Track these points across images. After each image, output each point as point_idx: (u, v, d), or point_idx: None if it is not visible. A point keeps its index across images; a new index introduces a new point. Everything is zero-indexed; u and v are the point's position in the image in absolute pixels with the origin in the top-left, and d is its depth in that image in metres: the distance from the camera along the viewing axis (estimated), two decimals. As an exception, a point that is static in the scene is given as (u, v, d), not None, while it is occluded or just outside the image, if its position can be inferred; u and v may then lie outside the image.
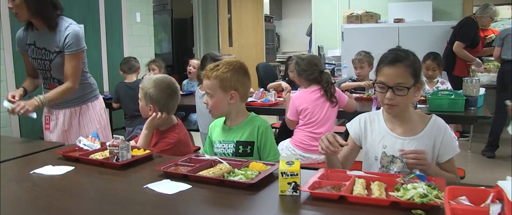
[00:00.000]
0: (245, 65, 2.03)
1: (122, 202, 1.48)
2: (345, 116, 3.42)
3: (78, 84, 2.57)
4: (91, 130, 2.62)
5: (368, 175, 1.62)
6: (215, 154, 2.07)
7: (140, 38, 5.51)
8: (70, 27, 2.49)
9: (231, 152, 2.01)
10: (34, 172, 1.79)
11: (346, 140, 1.69)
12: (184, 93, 4.04)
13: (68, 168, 1.84)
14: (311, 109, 3.12)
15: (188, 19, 7.72)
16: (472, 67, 5.37)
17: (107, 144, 2.05)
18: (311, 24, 8.92)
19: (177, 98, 2.30)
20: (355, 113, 3.40)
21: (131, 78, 4.08)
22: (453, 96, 3.19)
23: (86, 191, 1.67)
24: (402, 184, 1.49)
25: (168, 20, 7.88)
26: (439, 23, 6.30)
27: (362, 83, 4.14)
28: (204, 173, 1.67)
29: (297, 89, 3.99)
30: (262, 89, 3.97)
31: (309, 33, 9.93)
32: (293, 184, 1.48)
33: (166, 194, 1.51)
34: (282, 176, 1.48)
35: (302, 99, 3.15)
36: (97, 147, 2.10)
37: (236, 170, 1.67)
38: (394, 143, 1.79)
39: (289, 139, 3.23)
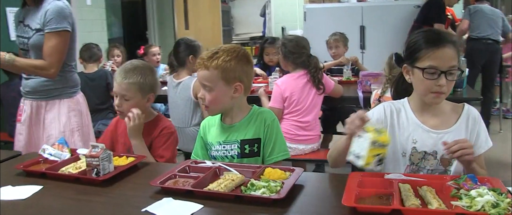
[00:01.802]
0: (248, 52, 1.71)
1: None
2: (328, 102, 3.21)
3: (55, 70, 2.20)
4: (54, 132, 2.21)
5: (410, 178, 1.38)
6: (214, 158, 1.76)
7: (92, 23, 4.97)
8: (54, 2, 2.17)
9: (236, 153, 1.70)
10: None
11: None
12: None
13: (34, 188, 1.45)
14: (297, 95, 2.87)
15: (139, 2, 7.17)
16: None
17: (80, 153, 1.68)
18: (265, 4, 8.62)
19: None
20: (341, 99, 3.23)
21: (92, 68, 3.60)
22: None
23: (62, 219, 1.31)
24: (457, 188, 1.26)
25: (117, 2, 7.28)
26: (403, 2, 6.20)
27: (342, 59, 3.93)
28: (213, 187, 1.35)
29: (271, 74, 3.72)
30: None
31: (263, 14, 9.62)
32: (379, 155, 1.30)
33: (175, 220, 1.19)
34: (374, 145, 1.28)
35: (288, 85, 2.87)
36: (66, 157, 1.72)
37: (254, 181, 1.36)
38: (427, 137, 1.55)
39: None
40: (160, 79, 4.03)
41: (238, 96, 1.68)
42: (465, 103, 1.61)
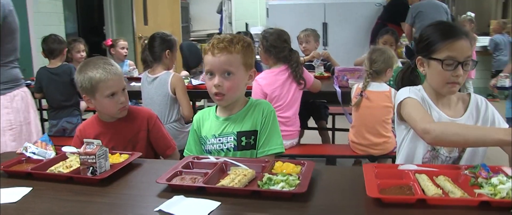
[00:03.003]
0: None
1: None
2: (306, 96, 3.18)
3: None
4: None
5: (424, 168, 1.37)
6: (209, 152, 1.68)
7: (49, 16, 4.70)
8: None
9: (232, 146, 1.63)
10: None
11: None
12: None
13: (23, 190, 1.32)
14: (278, 91, 2.82)
15: (95, -4, 6.89)
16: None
17: (67, 151, 1.56)
18: (222, 1, 8.52)
19: None
20: (320, 94, 3.22)
21: (55, 63, 3.36)
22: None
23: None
24: (474, 177, 1.27)
25: (71, -4, 6.96)
26: (365, 0, 6.32)
27: (315, 54, 3.93)
28: (227, 182, 1.28)
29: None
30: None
31: (220, 11, 9.52)
32: None
33: (195, 219, 1.11)
34: None
35: (268, 81, 2.82)
36: (52, 155, 1.58)
37: (270, 175, 1.30)
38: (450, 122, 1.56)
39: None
40: (126, 76, 3.87)
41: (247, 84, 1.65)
42: (471, 93, 1.64)
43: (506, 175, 1.24)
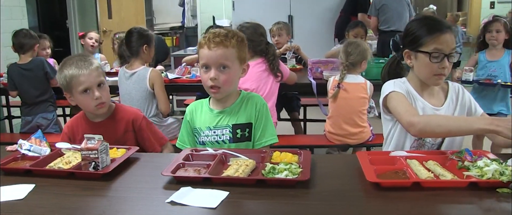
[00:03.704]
0: None
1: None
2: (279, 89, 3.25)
3: None
4: None
5: (413, 154, 1.47)
6: (203, 144, 1.72)
7: (11, 10, 4.52)
8: None
9: (228, 138, 1.68)
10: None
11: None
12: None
13: (28, 187, 1.31)
14: (256, 85, 2.87)
15: (55, -12, 6.66)
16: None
17: (62, 147, 1.55)
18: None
19: None
20: (295, 86, 3.29)
21: (26, 58, 3.25)
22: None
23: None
24: (461, 161, 1.37)
25: (29, -12, 6.69)
26: (331, -8, 6.44)
27: (288, 47, 3.99)
28: (232, 173, 1.33)
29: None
30: (184, 64, 3.56)
31: (182, 4, 9.45)
32: None
33: (208, 209, 1.15)
34: None
35: (246, 75, 2.86)
36: (47, 152, 1.57)
37: (271, 165, 1.36)
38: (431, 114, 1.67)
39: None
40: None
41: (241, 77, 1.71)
42: (448, 81, 1.76)
43: (489, 158, 1.35)
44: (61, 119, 3.85)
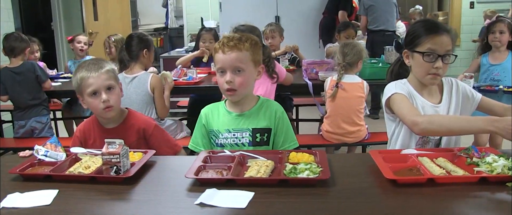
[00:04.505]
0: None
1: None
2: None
3: None
4: None
5: (423, 152, 1.54)
6: (221, 146, 1.76)
7: (-4, 13, 4.46)
8: None
9: (247, 141, 1.72)
10: (3, 207, 1.24)
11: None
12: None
13: (52, 193, 1.32)
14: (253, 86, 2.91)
15: (38, -10, 6.56)
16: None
17: (78, 152, 1.57)
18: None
19: None
20: (291, 87, 3.34)
21: (16, 61, 3.20)
22: (380, 65, 3.31)
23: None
24: (470, 158, 1.44)
25: (12, -10, 6.57)
26: (315, -8, 6.52)
27: (287, 48, 4.04)
28: (254, 173, 1.37)
29: (208, 62, 3.73)
30: (180, 66, 3.57)
31: (165, 5, 9.42)
32: None
33: (238, 209, 1.19)
34: None
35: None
36: (63, 157, 1.58)
37: (291, 165, 1.41)
38: (432, 112, 1.75)
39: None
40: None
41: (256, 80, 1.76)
42: (442, 78, 1.83)
43: (497, 154, 1.43)
44: (51, 123, 3.81)
